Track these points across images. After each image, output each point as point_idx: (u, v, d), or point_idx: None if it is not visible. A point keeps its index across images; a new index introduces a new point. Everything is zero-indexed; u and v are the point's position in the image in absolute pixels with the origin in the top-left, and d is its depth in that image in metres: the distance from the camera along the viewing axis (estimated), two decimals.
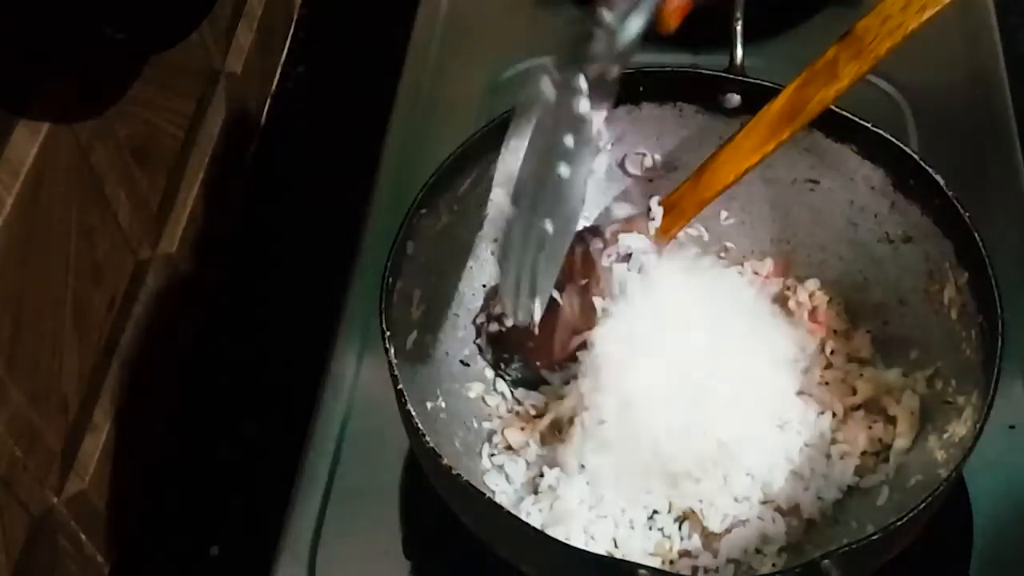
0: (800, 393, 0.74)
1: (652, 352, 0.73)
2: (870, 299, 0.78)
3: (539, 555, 0.64)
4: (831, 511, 0.71)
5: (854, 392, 0.75)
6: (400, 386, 0.65)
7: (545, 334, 0.78)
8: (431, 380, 0.75)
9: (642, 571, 0.58)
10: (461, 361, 0.79)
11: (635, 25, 0.64)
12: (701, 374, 0.72)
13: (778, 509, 0.70)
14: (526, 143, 0.65)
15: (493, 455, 0.76)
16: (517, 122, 0.66)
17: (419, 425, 0.64)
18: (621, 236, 0.78)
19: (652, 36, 0.99)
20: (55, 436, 0.75)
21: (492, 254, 0.81)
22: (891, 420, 0.74)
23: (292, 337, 0.96)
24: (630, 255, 0.78)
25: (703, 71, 0.78)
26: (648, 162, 0.82)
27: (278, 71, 1.14)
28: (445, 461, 0.63)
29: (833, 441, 0.73)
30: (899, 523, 0.59)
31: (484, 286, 0.81)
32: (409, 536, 0.76)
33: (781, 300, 0.80)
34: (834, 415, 0.74)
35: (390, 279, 0.70)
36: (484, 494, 0.62)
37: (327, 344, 0.85)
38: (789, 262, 0.81)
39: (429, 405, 0.73)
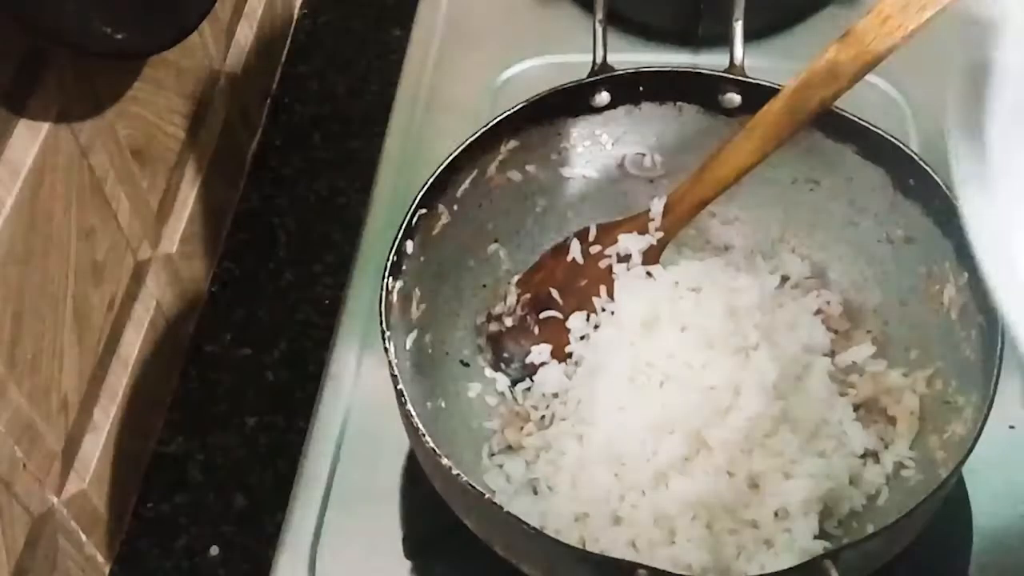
0: (800, 393, 0.74)
1: (652, 353, 0.73)
2: (870, 299, 0.78)
3: (539, 555, 0.64)
4: (831, 511, 0.71)
5: (854, 392, 0.75)
6: (400, 386, 0.65)
7: (545, 334, 0.78)
8: (431, 380, 0.75)
9: (642, 571, 0.58)
10: (461, 361, 0.79)
11: None
12: (700, 375, 0.72)
13: (777, 510, 0.70)
14: None
15: (493, 455, 0.76)
16: None
17: (419, 425, 0.64)
18: (621, 236, 0.78)
19: (652, 36, 1.00)
20: (55, 436, 0.75)
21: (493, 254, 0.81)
22: (891, 420, 0.74)
23: (292, 337, 0.96)
24: (630, 255, 0.78)
25: (703, 71, 0.78)
26: (648, 162, 0.82)
27: (278, 71, 1.14)
28: (445, 461, 0.63)
29: (833, 440, 0.73)
30: (899, 523, 0.59)
31: (484, 286, 0.81)
32: (409, 536, 0.76)
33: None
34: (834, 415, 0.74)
35: (390, 279, 0.70)
36: (484, 494, 0.62)
37: (327, 344, 0.85)
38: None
39: (429, 405, 0.73)
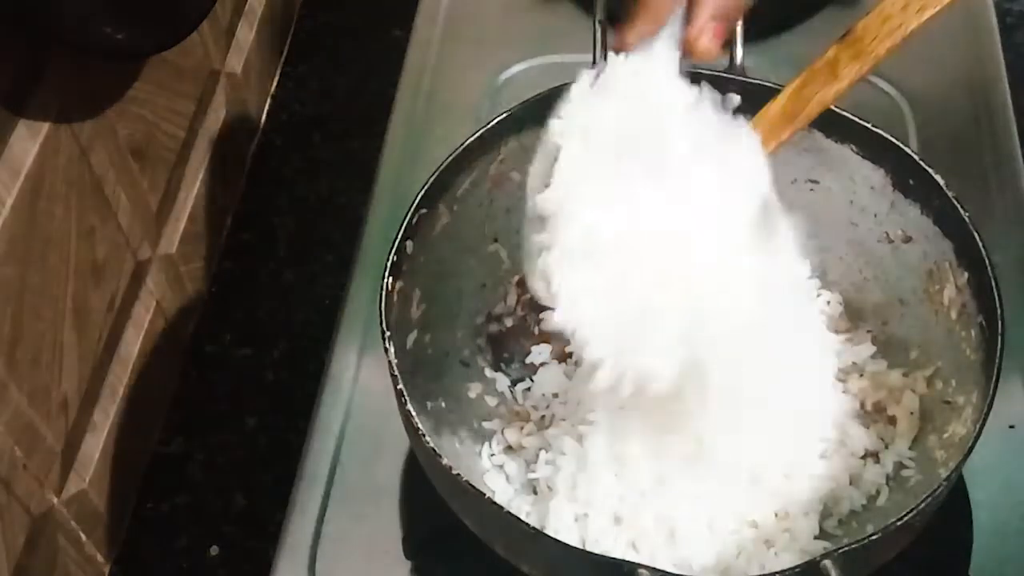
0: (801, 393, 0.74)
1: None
2: (870, 299, 0.78)
3: (539, 555, 0.64)
4: (831, 511, 0.71)
5: (855, 392, 0.75)
6: (400, 386, 0.65)
7: (545, 334, 0.78)
8: (431, 380, 0.75)
9: (642, 571, 0.58)
10: (461, 361, 0.79)
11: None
12: (701, 376, 0.71)
13: (777, 510, 0.70)
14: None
15: (493, 455, 0.76)
16: None
17: (419, 425, 0.64)
18: None
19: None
20: (55, 436, 0.75)
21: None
22: (891, 420, 0.74)
23: (292, 337, 0.96)
24: None
25: (703, 71, 0.78)
26: None
27: (278, 71, 1.14)
28: (445, 461, 0.63)
29: (833, 441, 0.73)
30: (899, 523, 0.59)
31: (484, 286, 0.81)
32: (409, 536, 0.76)
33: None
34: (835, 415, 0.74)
35: (390, 279, 0.69)
36: (484, 494, 0.62)
37: (327, 344, 0.85)
38: None
39: (429, 405, 0.73)
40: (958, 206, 0.70)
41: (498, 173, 0.79)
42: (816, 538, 0.69)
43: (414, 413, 0.65)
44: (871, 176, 0.76)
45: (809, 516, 0.70)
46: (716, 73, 0.77)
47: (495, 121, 0.76)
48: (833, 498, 0.71)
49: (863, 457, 0.73)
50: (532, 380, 0.78)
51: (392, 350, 0.67)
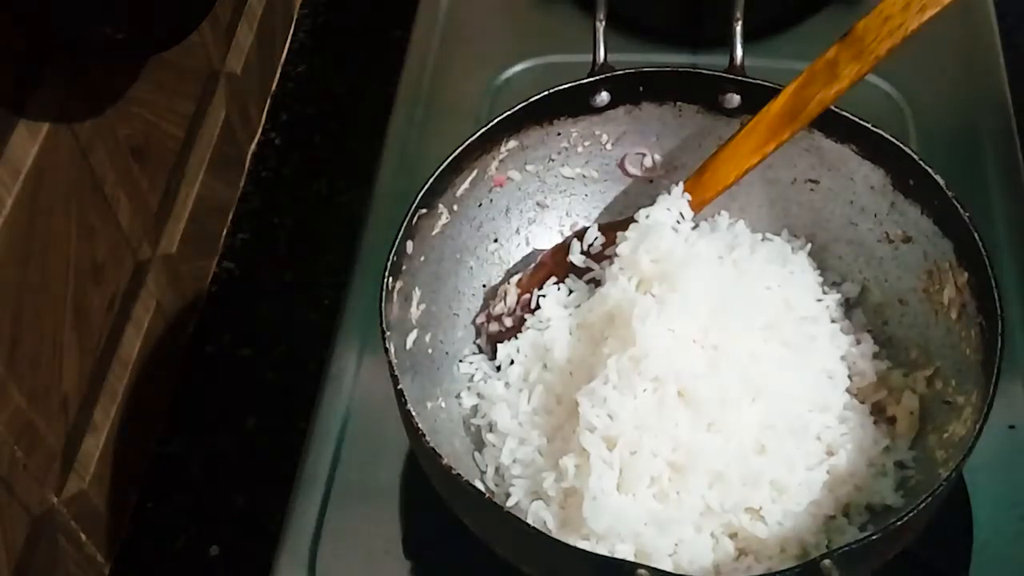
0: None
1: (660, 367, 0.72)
2: (870, 299, 0.78)
3: (539, 555, 0.64)
4: (831, 511, 0.71)
5: (855, 392, 0.75)
6: (400, 386, 0.65)
7: None
8: (431, 380, 0.75)
9: (642, 571, 0.58)
10: (461, 361, 0.79)
11: None
12: (702, 377, 0.71)
13: (777, 510, 0.70)
14: None
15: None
16: None
17: (419, 425, 0.64)
18: (620, 236, 0.78)
19: (652, 36, 1.00)
20: (55, 436, 0.76)
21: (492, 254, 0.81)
22: (891, 420, 0.74)
23: (292, 337, 0.96)
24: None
25: (703, 71, 0.78)
26: (648, 162, 0.82)
27: (278, 71, 1.14)
28: (445, 461, 0.63)
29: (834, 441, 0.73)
30: (899, 523, 0.59)
31: (484, 286, 0.81)
32: (409, 536, 0.76)
33: None
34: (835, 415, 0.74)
35: (390, 279, 0.70)
36: (484, 494, 0.62)
37: (327, 344, 0.85)
38: None
39: (429, 405, 0.73)
40: (958, 206, 0.70)
41: (498, 173, 0.79)
42: (816, 538, 0.69)
43: (414, 413, 0.65)
44: (871, 176, 0.76)
45: (809, 515, 0.70)
46: (716, 73, 0.77)
47: (495, 121, 0.76)
48: (832, 498, 0.71)
49: (863, 457, 0.72)
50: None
51: (392, 350, 0.67)
